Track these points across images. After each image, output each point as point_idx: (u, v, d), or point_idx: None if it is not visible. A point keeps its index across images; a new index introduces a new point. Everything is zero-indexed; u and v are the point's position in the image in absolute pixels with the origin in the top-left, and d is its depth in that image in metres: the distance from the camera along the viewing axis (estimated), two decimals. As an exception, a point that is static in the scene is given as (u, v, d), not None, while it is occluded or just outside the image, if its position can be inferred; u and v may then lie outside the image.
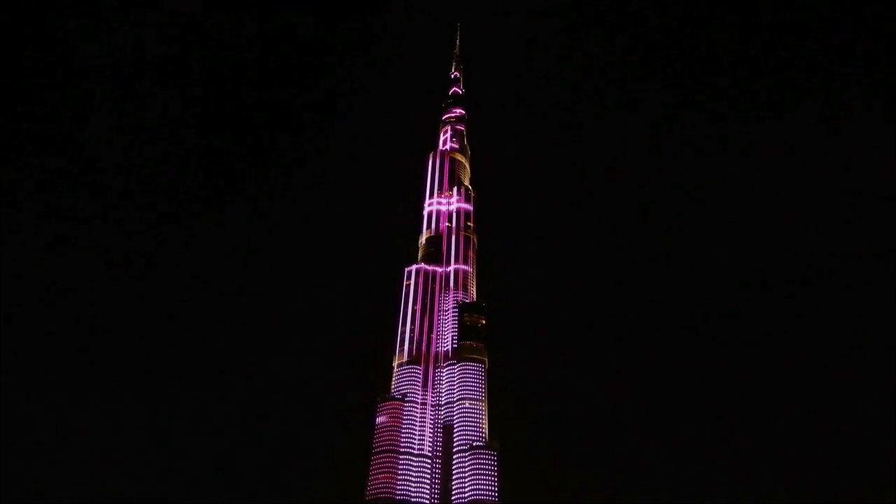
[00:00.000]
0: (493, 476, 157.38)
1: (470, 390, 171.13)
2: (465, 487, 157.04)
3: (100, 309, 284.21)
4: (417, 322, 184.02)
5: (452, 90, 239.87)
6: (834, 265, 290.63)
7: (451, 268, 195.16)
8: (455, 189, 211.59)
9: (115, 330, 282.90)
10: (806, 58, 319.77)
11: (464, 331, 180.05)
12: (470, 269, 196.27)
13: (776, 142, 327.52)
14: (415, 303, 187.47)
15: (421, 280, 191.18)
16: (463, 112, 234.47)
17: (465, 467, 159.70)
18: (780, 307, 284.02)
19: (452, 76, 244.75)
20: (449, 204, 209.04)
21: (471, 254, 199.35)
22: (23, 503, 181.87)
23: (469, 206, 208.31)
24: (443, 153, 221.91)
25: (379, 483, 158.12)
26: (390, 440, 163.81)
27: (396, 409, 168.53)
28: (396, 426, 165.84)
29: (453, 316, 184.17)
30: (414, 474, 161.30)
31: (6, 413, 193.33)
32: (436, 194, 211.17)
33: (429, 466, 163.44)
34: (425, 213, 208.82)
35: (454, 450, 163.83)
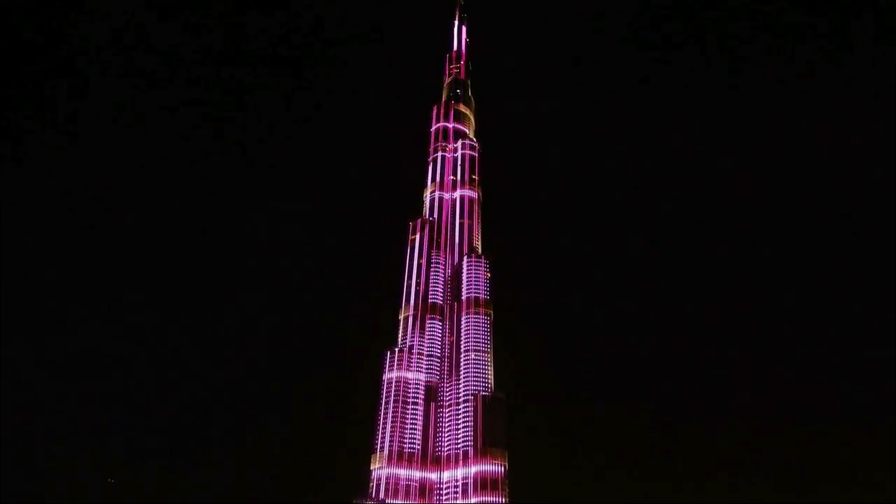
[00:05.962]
0: (501, 424, 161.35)
1: (476, 342, 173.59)
2: (472, 435, 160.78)
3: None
4: (423, 275, 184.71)
5: (456, 43, 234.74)
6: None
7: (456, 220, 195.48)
8: (460, 142, 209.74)
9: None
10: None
11: (469, 285, 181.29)
12: (475, 223, 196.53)
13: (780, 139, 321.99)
14: (420, 256, 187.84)
15: (427, 233, 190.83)
16: (467, 63, 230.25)
17: (472, 415, 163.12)
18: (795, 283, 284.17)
19: (456, 27, 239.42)
20: (454, 153, 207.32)
21: (475, 207, 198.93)
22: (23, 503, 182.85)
23: (474, 157, 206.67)
24: (447, 105, 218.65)
25: (387, 432, 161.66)
26: (398, 391, 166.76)
27: (403, 360, 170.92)
28: (403, 377, 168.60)
29: (458, 269, 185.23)
30: (422, 422, 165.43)
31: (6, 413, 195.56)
32: (440, 147, 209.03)
33: (434, 414, 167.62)
34: (429, 167, 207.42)
35: (461, 399, 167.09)
